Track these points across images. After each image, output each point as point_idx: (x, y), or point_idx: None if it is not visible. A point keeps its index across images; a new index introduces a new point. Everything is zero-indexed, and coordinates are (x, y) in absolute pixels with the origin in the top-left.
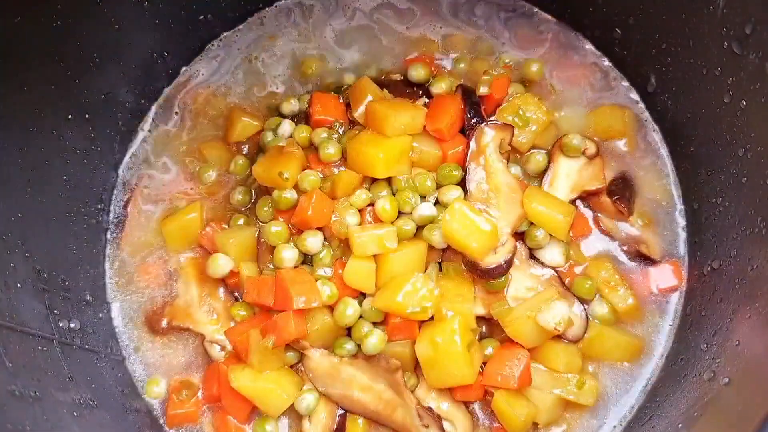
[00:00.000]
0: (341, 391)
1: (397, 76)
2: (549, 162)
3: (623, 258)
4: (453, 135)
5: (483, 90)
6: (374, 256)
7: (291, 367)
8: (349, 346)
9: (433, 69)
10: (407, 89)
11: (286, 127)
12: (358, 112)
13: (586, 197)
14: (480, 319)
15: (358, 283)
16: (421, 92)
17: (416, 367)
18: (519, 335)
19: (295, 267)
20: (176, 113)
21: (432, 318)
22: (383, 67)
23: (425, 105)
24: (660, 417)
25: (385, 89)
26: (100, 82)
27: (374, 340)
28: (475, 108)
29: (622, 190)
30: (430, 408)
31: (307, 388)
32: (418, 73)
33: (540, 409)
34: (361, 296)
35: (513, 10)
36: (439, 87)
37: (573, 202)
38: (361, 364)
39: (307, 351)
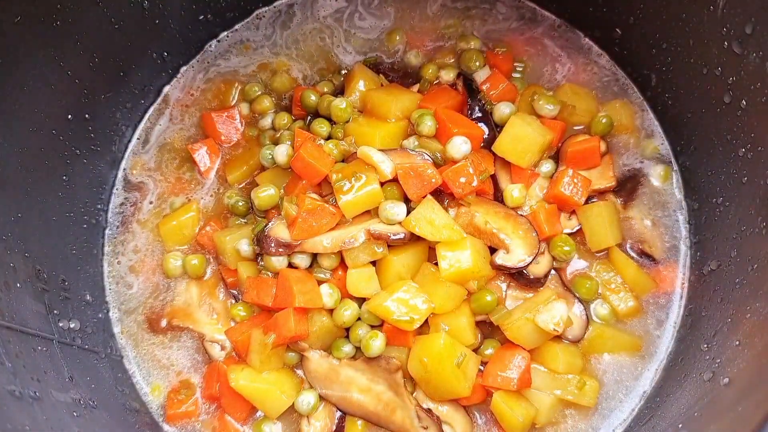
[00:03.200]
0: (340, 393)
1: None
2: (558, 163)
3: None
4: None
5: (482, 76)
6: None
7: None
8: (347, 348)
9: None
10: (397, 75)
11: (268, 120)
12: (353, 98)
13: (596, 195)
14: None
15: (361, 291)
16: (411, 79)
17: None
18: (518, 338)
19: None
20: (175, 112)
21: (427, 322)
22: (376, 52)
23: (419, 92)
24: (660, 417)
25: (381, 75)
26: (100, 82)
27: (378, 342)
28: (477, 102)
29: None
30: (430, 409)
31: (307, 388)
32: (416, 59)
33: (539, 410)
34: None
35: (513, 7)
36: (448, 75)
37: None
38: (360, 365)
39: (306, 352)
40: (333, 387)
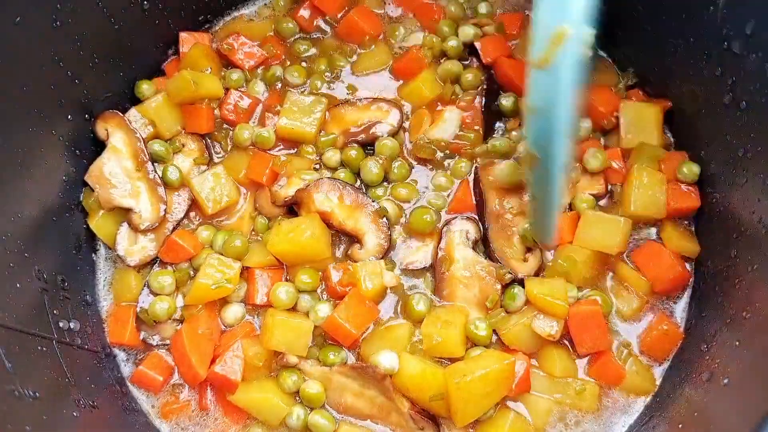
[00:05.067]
0: (335, 398)
1: None
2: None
3: (627, 259)
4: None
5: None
6: None
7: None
8: (332, 354)
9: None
10: None
11: None
12: None
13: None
14: None
15: None
16: None
17: None
18: (515, 342)
19: None
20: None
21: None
22: None
23: None
24: (660, 417)
25: None
26: (100, 82)
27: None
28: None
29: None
30: (424, 409)
31: (295, 404)
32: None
33: (539, 413)
34: None
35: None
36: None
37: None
38: (349, 372)
39: (299, 364)
40: (327, 393)
